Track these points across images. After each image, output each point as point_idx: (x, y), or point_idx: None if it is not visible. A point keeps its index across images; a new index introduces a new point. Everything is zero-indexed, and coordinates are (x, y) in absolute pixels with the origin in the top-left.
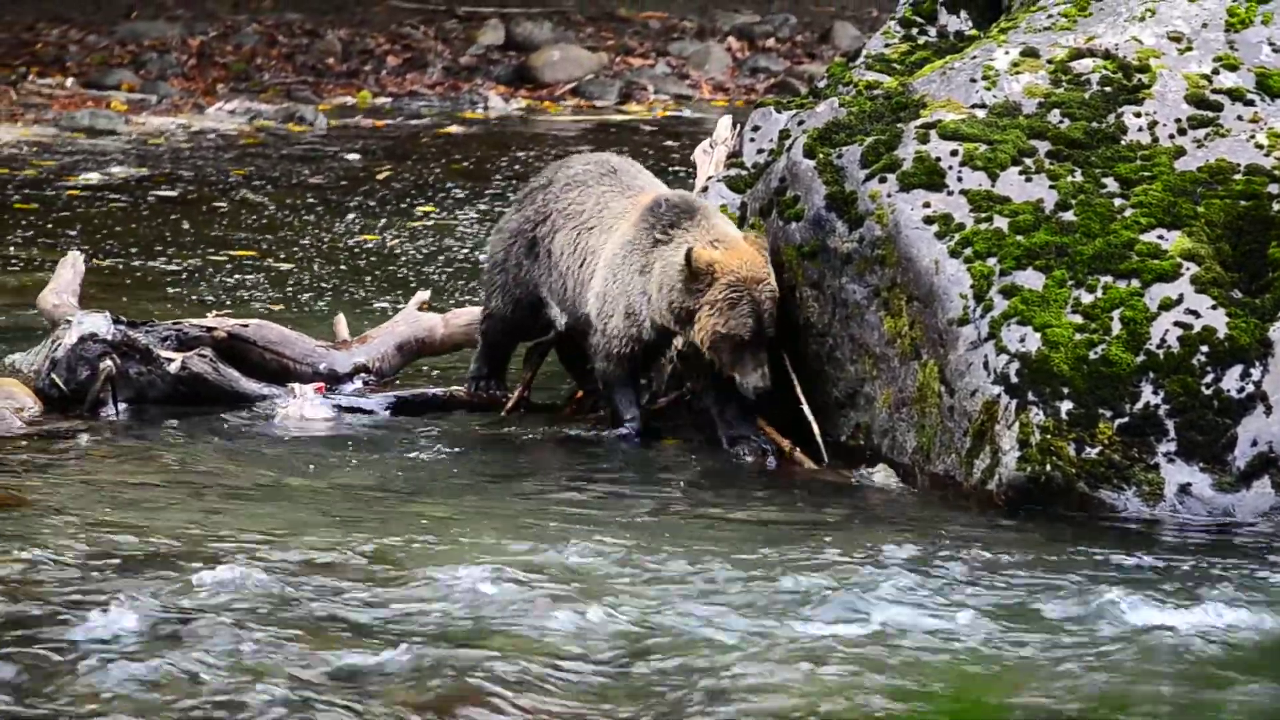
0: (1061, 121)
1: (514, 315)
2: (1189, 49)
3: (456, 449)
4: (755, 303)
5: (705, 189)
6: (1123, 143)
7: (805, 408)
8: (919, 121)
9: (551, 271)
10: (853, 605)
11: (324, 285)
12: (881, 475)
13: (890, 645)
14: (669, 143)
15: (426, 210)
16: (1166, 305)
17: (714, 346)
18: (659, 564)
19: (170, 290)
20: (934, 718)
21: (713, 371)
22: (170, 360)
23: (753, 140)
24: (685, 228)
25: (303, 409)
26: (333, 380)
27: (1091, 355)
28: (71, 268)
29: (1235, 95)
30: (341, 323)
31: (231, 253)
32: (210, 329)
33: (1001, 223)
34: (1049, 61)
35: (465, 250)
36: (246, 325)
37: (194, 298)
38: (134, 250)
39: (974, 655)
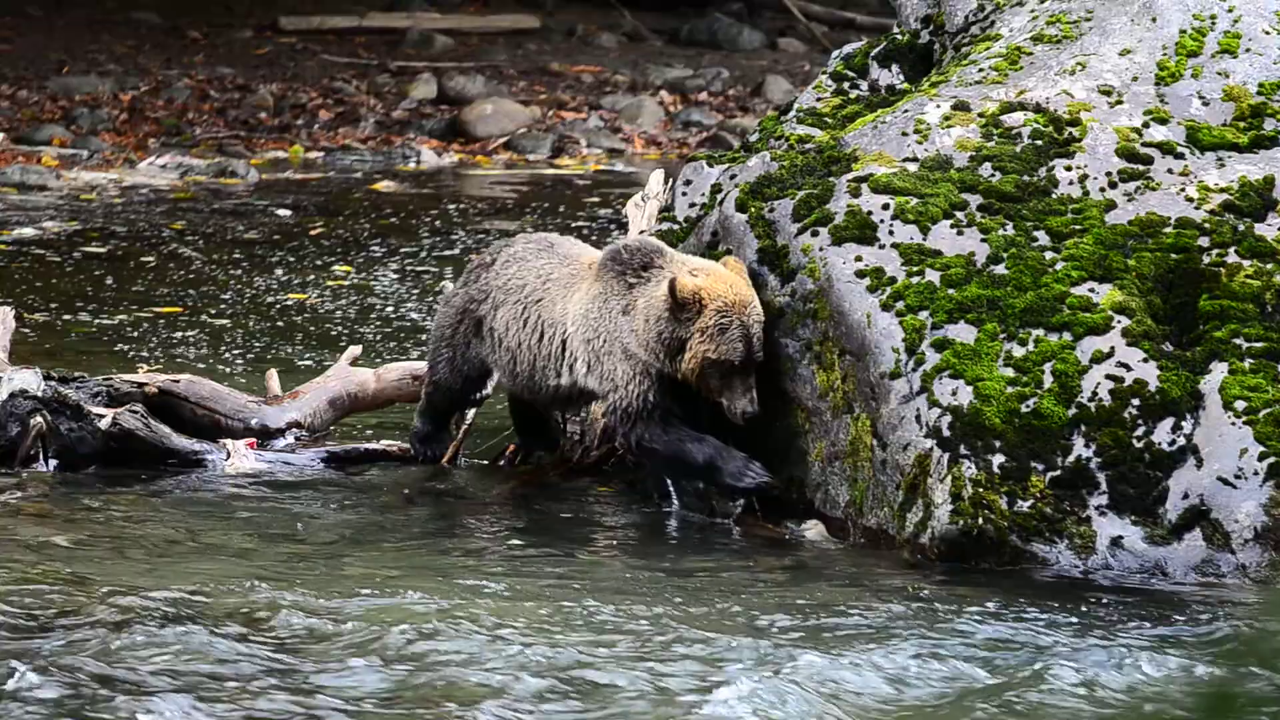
0: (993, 175)
1: (461, 387)
2: (1120, 102)
3: (391, 503)
4: (745, 327)
5: (614, 240)
6: (1054, 196)
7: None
8: (851, 175)
9: (497, 349)
10: (778, 658)
11: (255, 341)
12: (813, 531)
13: (813, 698)
14: (601, 197)
15: (359, 266)
16: (1098, 358)
17: (703, 374)
18: (587, 618)
19: (101, 346)
20: None
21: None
22: (101, 416)
23: (685, 194)
24: (660, 265)
25: (235, 463)
26: (265, 435)
27: (1023, 408)
28: (1, 324)
29: (1165, 149)
30: (273, 378)
31: (163, 308)
32: (141, 385)
33: (933, 276)
34: (980, 115)
35: (396, 307)
36: (178, 381)
37: (125, 353)
38: (65, 306)
39: (898, 707)
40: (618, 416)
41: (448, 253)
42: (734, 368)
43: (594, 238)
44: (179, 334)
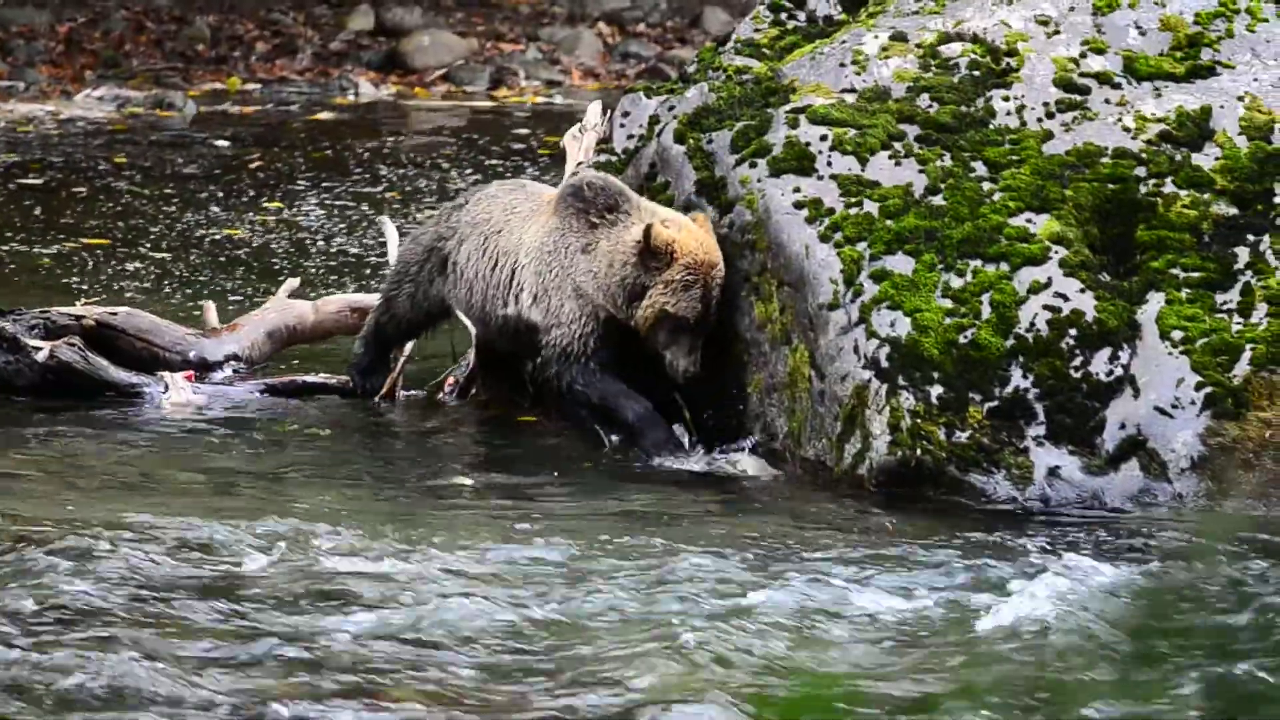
0: (930, 106)
1: (419, 322)
2: (1056, 32)
3: (328, 437)
4: (707, 287)
5: (575, 174)
6: (991, 126)
7: (676, 394)
8: (789, 106)
9: (458, 283)
10: (718, 590)
11: (194, 274)
12: (750, 463)
13: (752, 627)
14: (540, 128)
15: (296, 199)
16: (1035, 289)
17: (655, 325)
18: (529, 553)
19: (38, 278)
20: (789, 696)
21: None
22: (38, 349)
23: (623, 126)
24: (626, 209)
25: (172, 396)
26: (203, 368)
27: (961, 339)
28: None
29: (1103, 79)
30: (211, 310)
31: (100, 241)
32: (79, 317)
33: (871, 207)
34: (918, 46)
35: (333, 239)
36: (115, 313)
37: (62, 286)
38: (2, 239)
39: (833, 636)
40: (556, 353)
41: (385, 185)
42: (687, 325)
43: (531, 170)
44: (117, 267)
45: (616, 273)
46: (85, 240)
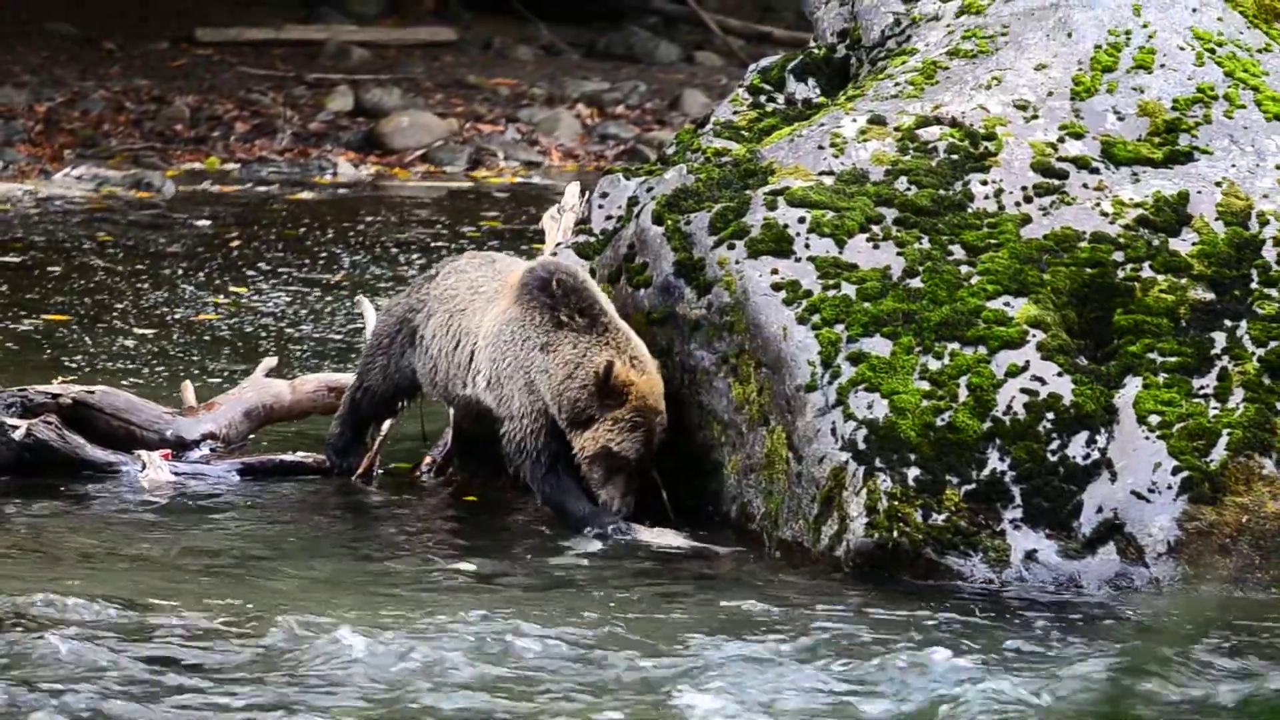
0: (909, 189)
1: (391, 396)
2: (1035, 117)
3: (307, 515)
4: (650, 432)
5: (554, 255)
6: (970, 210)
7: (654, 473)
8: (767, 188)
9: (423, 356)
10: (690, 674)
11: (171, 353)
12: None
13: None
14: (519, 209)
15: (275, 279)
16: (1013, 372)
17: (595, 459)
18: (502, 634)
19: (16, 357)
20: None
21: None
22: (15, 427)
23: (601, 207)
24: (598, 323)
25: (149, 474)
26: (180, 447)
27: (939, 422)
28: None
29: (1081, 163)
30: (188, 389)
31: (78, 320)
32: (55, 395)
33: (849, 289)
34: (896, 129)
35: (313, 319)
36: (92, 392)
37: (39, 365)
38: None
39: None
40: (511, 446)
41: (364, 264)
42: (626, 465)
43: (510, 250)
44: (94, 345)
45: (572, 391)
46: (62, 319)
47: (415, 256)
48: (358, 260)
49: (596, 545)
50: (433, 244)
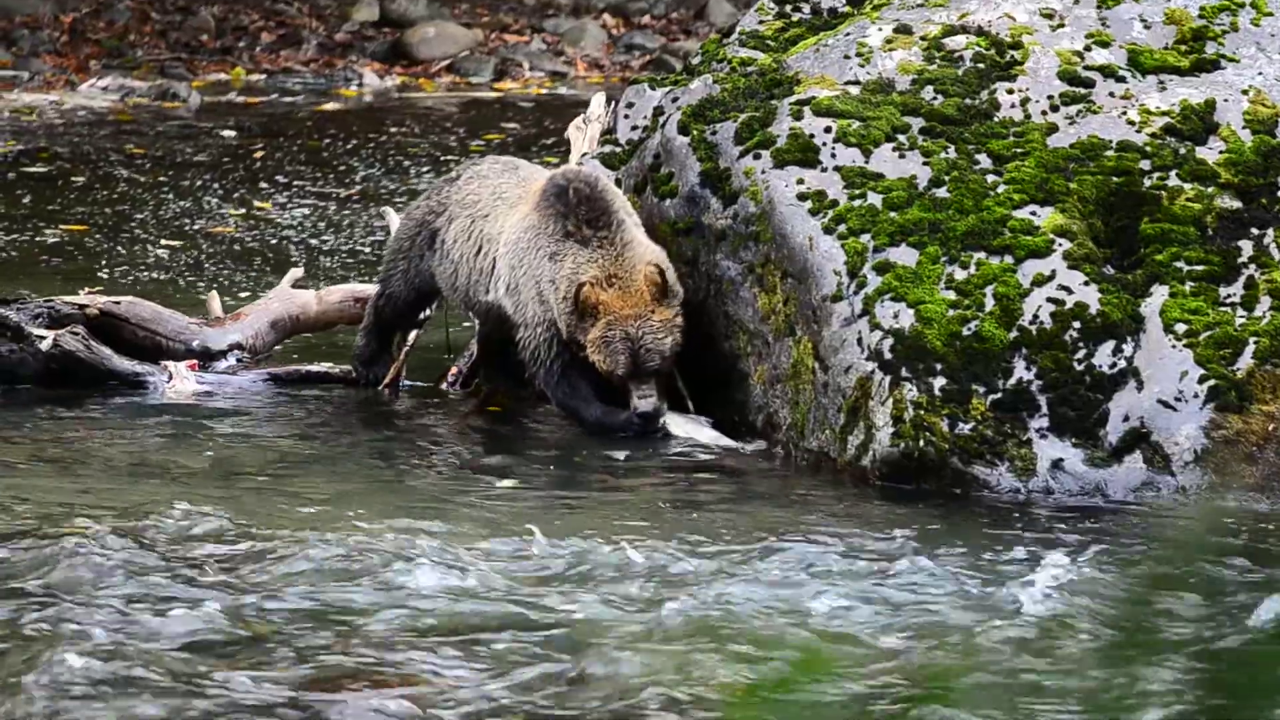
0: (935, 98)
1: (412, 301)
2: (1061, 25)
3: (331, 426)
4: (630, 340)
5: (563, 169)
6: (996, 119)
7: (679, 383)
8: (793, 98)
9: (444, 260)
10: (716, 582)
11: (199, 263)
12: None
13: (746, 620)
14: (544, 119)
15: (301, 189)
16: (1039, 281)
17: (599, 370)
18: (529, 540)
19: (42, 268)
20: (778, 691)
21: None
22: (42, 338)
23: (627, 117)
24: (604, 232)
25: (176, 385)
26: (206, 357)
27: (965, 331)
28: None
29: (1107, 72)
30: (215, 300)
31: (105, 230)
32: (82, 306)
33: (875, 199)
34: (922, 38)
35: (338, 229)
36: (119, 302)
37: (66, 275)
38: (5, 227)
39: (830, 630)
40: (526, 353)
41: (388, 175)
42: (627, 378)
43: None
44: (121, 255)
45: (564, 308)
46: (89, 229)
47: (437, 168)
48: (371, 174)
49: (621, 454)
50: (457, 155)
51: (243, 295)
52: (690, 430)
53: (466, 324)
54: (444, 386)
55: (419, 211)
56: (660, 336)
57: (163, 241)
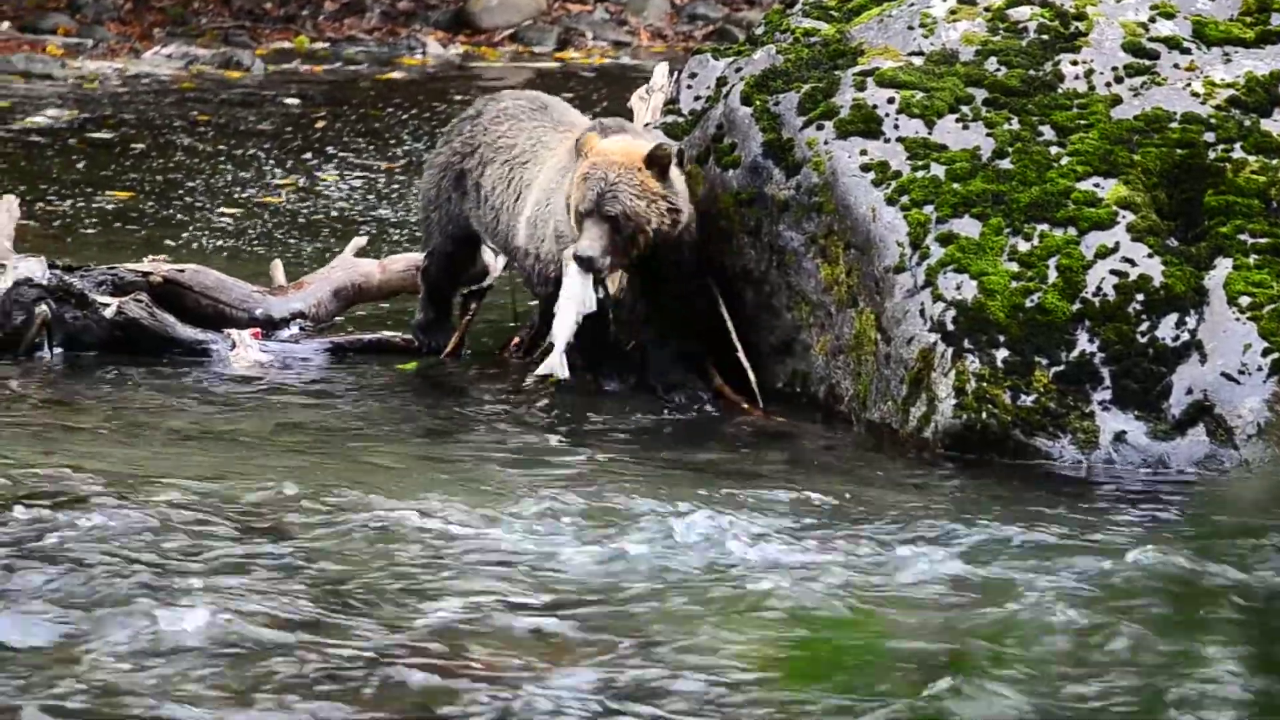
0: (999, 69)
1: (453, 251)
2: None
3: (394, 394)
4: (606, 181)
5: (601, 120)
6: (1059, 91)
7: (741, 354)
8: (856, 69)
9: (481, 205)
10: (781, 550)
11: (262, 231)
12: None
13: (812, 587)
14: (606, 89)
15: (365, 157)
16: (1103, 253)
17: (577, 225)
18: (598, 511)
19: (106, 235)
20: (840, 656)
21: (648, 317)
22: (106, 305)
23: (690, 87)
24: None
25: (239, 353)
26: (269, 326)
27: (1028, 303)
28: (6, 212)
29: (1172, 44)
30: (278, 268)
31: (168, 197)
32: (146, 274)
33: (938, 170)
34: (986, 9)
35: (402, 198)
36: (183, 270)
37: (130, 242)
38: (70, 194)
39: (890, 597)
40: (535, 281)
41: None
42: (583, 214)
43: None
44: (186, 223)
45: (565, 180)
46: (150, 195)
47: None
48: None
49: (682, 419)
50: None
51: (306, 264)
52: (559, 331)
53: (532, 299)
54: (506, 355)
55: (441, 157)
56: (635, 194)
57: (224, 209)
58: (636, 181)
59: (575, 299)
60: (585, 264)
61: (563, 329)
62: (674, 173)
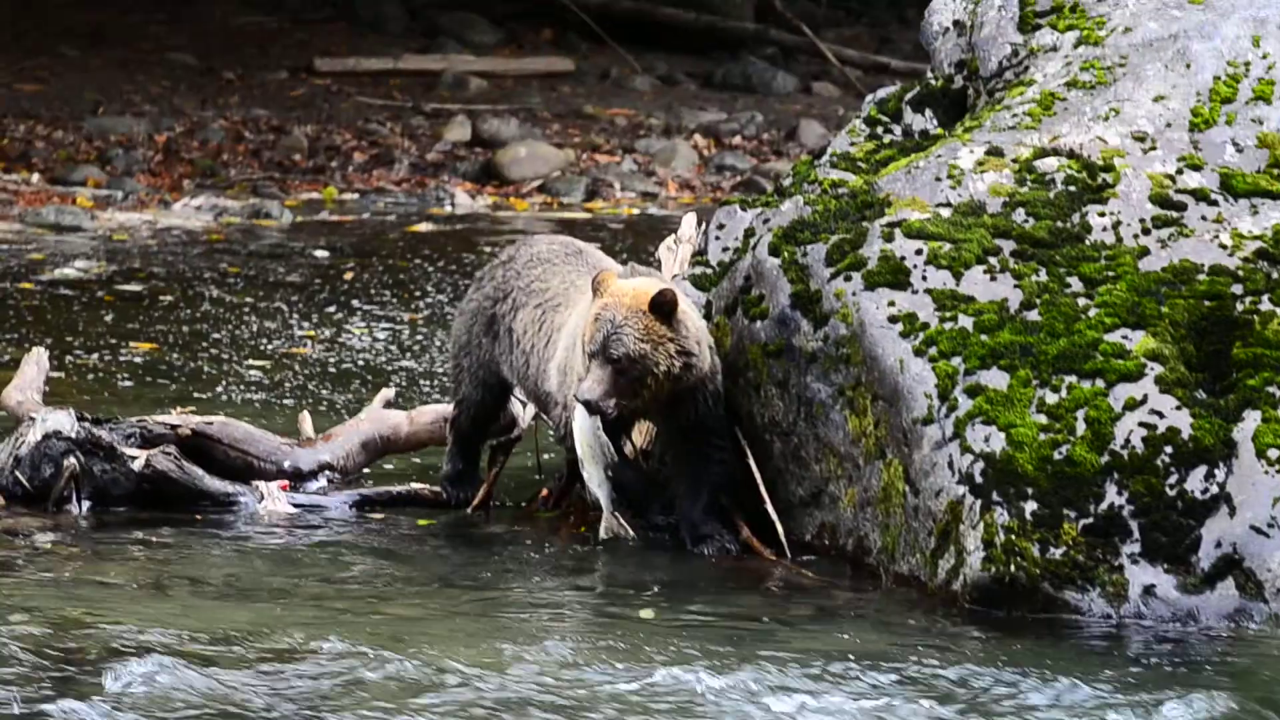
0: (1026, 221)
1: (483, 399)
2: (1153, 149)
3: (422, 547)
4: (613, 324)
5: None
6: (1087, 242)
7: (769, 506)
8: (884, 220)
9: (513, 350)
10: (809, 703)
11: (289, 383)
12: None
13: None
14: (634, 239)
15: (394, 308)
16: (1131, 405)
17: (585, 362)
18: (627, 668)
19: (134, 388)
20: None
21: (676, 469)
22: (134, 458)
23: (718, 238)
24: None
25: (267, 505)
26: (297, 478)
27: (1056, 455)
28: (36, 364)
29: (1199, 195)
30: (306, 420)
31: (196, 349)
32: (174, 426)
33: (966, 322)
34: (1014, 160)
35: (431, 349)
36: (211, 423)
37: (159, 395)
38: (99, 347)
39: None
40: (565, 432)
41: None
42: (591, 355)
43: None
44: (215, 375)
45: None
46: (181, 348)
47: None
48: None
49: (713, 571)
50: None
51: (335, 416)
52: (597, 490)
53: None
54: (535, 506)
55: (473, 302)
56: (639, 337)
57: (252, 361)
58: (642, 326)
59: (593, 450)
60: (588, 407)
61: (601, 490)
62: (687, 316)
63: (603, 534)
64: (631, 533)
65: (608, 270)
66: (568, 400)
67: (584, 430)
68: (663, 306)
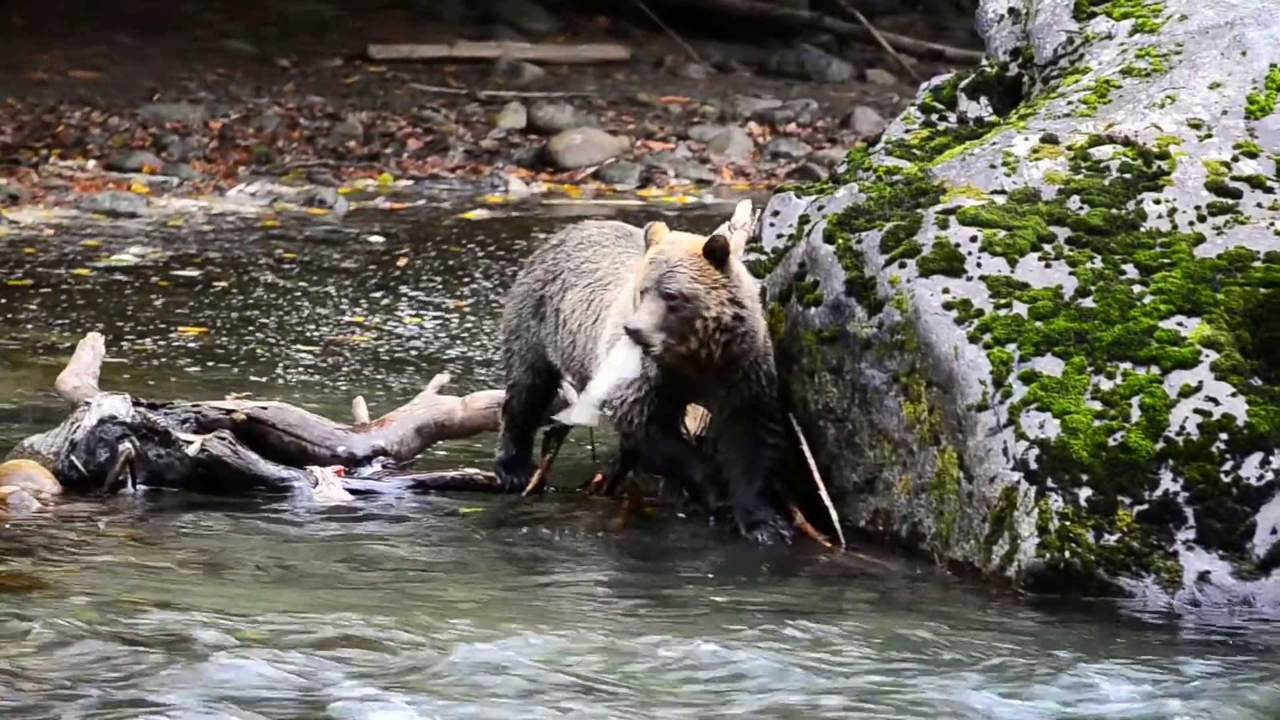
0: (1081, 208)
1: (534, 383)
2: (1209, 136)
3: (477, 532)
4: (668, 263)
5: None
6: (1142, 229)
7: (823, 492)
8: (939, 207)
9: (559, 330)
10: (865, 689)
11: (344, 368)
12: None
13: None
14: (689, 227)
15: (447, 295)
16: (1186, 392)
17: (636, 300)
18: (678, 651)
19: (189, 372)
20: None
21: (734, 449)
22: (189, 443)
23: (772, 225)
24: None
25: (322, 491)
26: (351, 463)
27: (1111, 442)
28: (91, 350)
29: (1255, 182)
30: (360, 405)
31: (250, 335)
32: (229, 411)
33: (1021, 309)
34: (1069, 148)
35: (485, 334)
36: (265, 408)
37: (213, 380)
38: (154, 332)
39: None
40: (617, 417)
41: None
42: (644, 291)
43: None
44: (269, 360)
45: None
46: (236, 334)
47: None
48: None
49: (763, 560)
50: None
51: (388, 400)
52: (593, 387)
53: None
54: (588, 492)
55: (523, 285)
56: (693, 275)
57: (306, 347)
58: (697, 267)
59: (619, 367)
60: (634, 335)
61: (598, 386)
62: (738, 269)
63: (560, 416)
64: (587, 422)
65: (657, 222)
66: (625, 407)
67: (620, 352)
68: (716, 252)
